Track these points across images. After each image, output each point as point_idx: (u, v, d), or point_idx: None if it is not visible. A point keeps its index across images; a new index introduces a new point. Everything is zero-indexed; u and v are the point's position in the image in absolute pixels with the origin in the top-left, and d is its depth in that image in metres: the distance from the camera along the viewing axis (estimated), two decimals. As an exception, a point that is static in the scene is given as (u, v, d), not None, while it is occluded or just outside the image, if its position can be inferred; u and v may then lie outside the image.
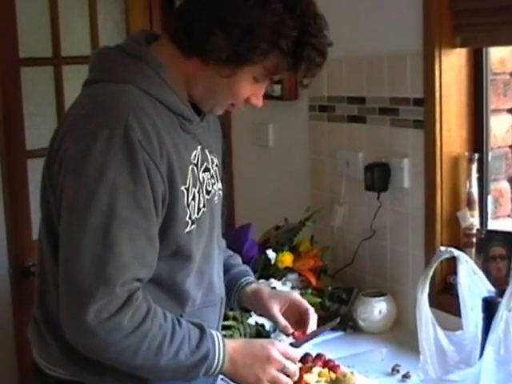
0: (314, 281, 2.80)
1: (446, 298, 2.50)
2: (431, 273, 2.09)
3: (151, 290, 1.81)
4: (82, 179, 1.68)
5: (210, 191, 1.93)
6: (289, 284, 2.73)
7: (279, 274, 2.76)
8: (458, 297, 2.12)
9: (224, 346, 1.82)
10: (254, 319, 2.56)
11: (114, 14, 3.65)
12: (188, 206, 1.81)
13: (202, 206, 1.87)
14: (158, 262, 1.78)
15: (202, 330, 1.81)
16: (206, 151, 1.92)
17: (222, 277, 2.06)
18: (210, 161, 1.94)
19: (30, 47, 3.35)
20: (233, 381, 1.92)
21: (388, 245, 2.83)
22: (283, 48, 1.73)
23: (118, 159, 1.67)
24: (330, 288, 2.83)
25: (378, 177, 2.78)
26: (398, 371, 2.37)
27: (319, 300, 2.75)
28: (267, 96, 2.13)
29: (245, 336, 2.51)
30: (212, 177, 1.94)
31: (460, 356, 2.07)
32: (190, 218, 1.82)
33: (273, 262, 2.78)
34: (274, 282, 2.66)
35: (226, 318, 2.39)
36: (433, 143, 2.56)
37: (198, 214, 1.85)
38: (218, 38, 1.72)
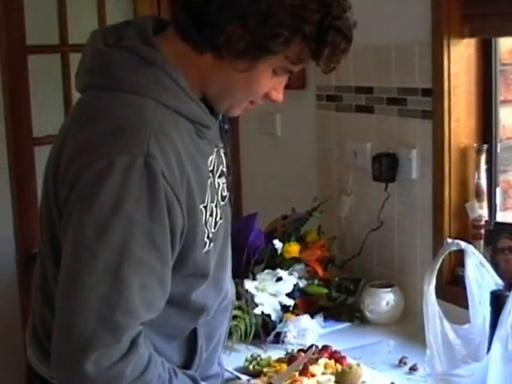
0: (320, 271, 2.79)
1: (454, 290, 2.48)
2: (438, 265, 2.07)
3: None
4: (94, 210, 1.49)
5: (225, 196, 1.79)
6: (295, 274, 2.72)
7: (286, 264, 2.75)
8: (466, 289, 2.10)
9: None
10: (260, 309, 2.56)
11: (122, 3, 3.64)
12: (206, 224, 1.66)
13: (218, 218, 1.73)
14: (172, 282, 1.62)
15: (194, 382, 1.71)
16: (221, 152, 1.80)
17: (231, 277, 1.93)
18: (223, 162, 1.80)
19: (37, 34, 3.33)
20: None
21: (396, 236, 2.82)
22: (307, 34, 1.55)
23: (137, 192, 1.50)
24: (337, 279, 2.82)
25: (386, 167, 2.77)
26: (405, 363, 2.35)
27: (326, 291, 2.75)
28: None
29: (250, 326, 2.50)
30: (225, 177, 1.81)
31: (467, 350, 2.05)
32: (208, 237, 1.68)
33: (279, 251, 2.77)
34: (281, 272, 2.66)
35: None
36: (441, 134, 2.55)
37: (214, 228, 1.71)
38: (232, 27, 1.55)
